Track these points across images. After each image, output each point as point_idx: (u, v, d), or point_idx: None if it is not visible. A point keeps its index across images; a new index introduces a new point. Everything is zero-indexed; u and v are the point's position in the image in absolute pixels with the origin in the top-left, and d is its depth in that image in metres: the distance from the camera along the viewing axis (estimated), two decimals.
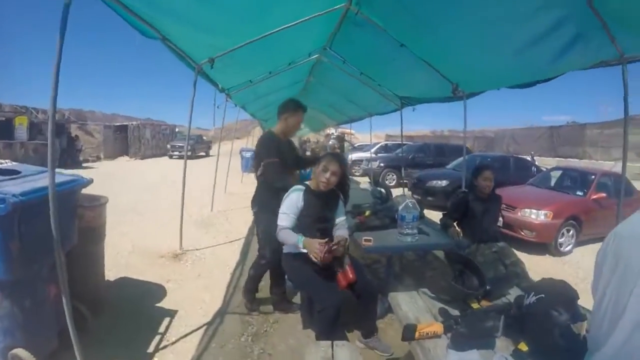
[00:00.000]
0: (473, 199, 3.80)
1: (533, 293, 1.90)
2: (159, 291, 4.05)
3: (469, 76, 4.67)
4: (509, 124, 36.66)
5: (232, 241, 5.89)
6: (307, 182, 2.95)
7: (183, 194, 5.25)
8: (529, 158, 14.41)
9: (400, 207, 3.19)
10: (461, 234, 3.60)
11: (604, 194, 6.90)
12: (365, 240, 3.13)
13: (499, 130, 35.90)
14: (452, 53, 4.22)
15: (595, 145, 25.16)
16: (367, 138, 22.37)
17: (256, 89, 7.19)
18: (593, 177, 7.31)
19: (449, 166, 11.34)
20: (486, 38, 3.59)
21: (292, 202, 2.80)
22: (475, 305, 2.26)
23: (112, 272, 4.31)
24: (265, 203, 3.39)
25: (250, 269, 3.68)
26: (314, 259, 2.54)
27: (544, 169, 11.52)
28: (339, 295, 2.60)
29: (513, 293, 2.52)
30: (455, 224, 3.82)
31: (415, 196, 9.43)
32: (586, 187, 7.10)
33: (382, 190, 4.87)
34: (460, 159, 11.51)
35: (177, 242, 5.29)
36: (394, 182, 13.35)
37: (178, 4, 3.14)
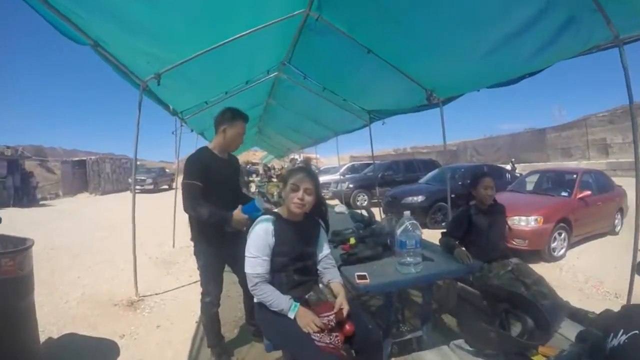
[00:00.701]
0: (475, 213, 3.33)
1: (622, 330, 1.37)
2: (111, 350, 3.36)
3: (445, 79, 4.29)
4: (467, 136, 37.36)
5: (196, 281, 5.11)
6: (276, 210, 2.30)
7: (134, 231, 4.59)
8: (509, 167, 14.25)
9: (398, 231, 2.57)
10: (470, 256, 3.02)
11: (589, 192, 6.77)
12: (360, 277, 2.46)
13: (461, 142, 36.43)
14: (426, 55, 3.86)
15: (555, 148, 25.93)
16: (332, 161, 22.09)
17: (213, 113, 6.63)
18: (575, 176, 7.13)
19: (422, 181, 11.02)
20: (464, 34, 3.24)
21: (261, 239, 2.10)
22: (537, 358, 1.72)
23: (56, 326, 3.72)
24: (199, 233, 2.87)
25: (201, 315, 3.12)
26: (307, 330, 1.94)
27: (518, 175, 11.48)
28: (333, 356, 1.90)
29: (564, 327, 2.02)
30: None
31: (389, 215, 9.00)
32: (569, 187, 6.89)
33: (363, 212, 4.37)
34: (434, 172, 11.34)
35: (134, 287, 4.61)
36: (366, 202, 12.92)
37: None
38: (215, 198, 2.67)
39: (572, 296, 4.08)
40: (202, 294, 2.99)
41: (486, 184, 3.28)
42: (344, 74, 4.96)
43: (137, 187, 24.28)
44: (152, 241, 7.69)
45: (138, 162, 34.19)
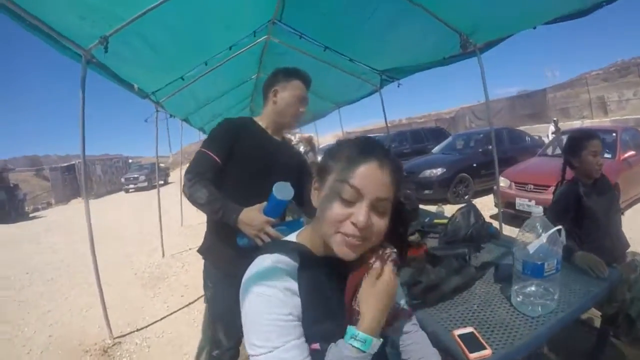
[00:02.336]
0: (586, 192, 2.26)
1: None
2: None
3: (488, 17, 3.19)
4: (462, 102, 36.43)
5: (190, 303, 4.15)
6: (295, 238, 0.99)
7: (94, 256, 3.58)
8: (552, 126, 13.07)
9: (531, 248, 1.33)
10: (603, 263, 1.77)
11: (632, 152, 6.04)
12: (471, 345, 1.25)
13: (458, 109, 35.41)
14: None
15: (554, 109, 25.65)
16: (328, 140, 21.20)
17: (195, 92, 5.51)
18: (614, 134, 6.28)
19: (435, 150, 10.05)
20: None
21: (280, 304, 0.80)
22: None
23: None
24: (208, 243, 1.87)
25: None
26: None
27: (537, 138, 10.77)
28: None
29: None
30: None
31: (406, 191, 8.09)
32: (610, 148, 6.04)
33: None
34: (448, 139, 10.45)
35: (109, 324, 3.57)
36: None
37: None
38: (246, 192, 1.62)
39: None
40: (210, 342, 2.00)
41: (595, 147, 2.26)
42: (352, 25, 3.87)
43: (131, 185, 23.61)
44: (142, 249, 6.74)
45: (130, 160, 33.53)
